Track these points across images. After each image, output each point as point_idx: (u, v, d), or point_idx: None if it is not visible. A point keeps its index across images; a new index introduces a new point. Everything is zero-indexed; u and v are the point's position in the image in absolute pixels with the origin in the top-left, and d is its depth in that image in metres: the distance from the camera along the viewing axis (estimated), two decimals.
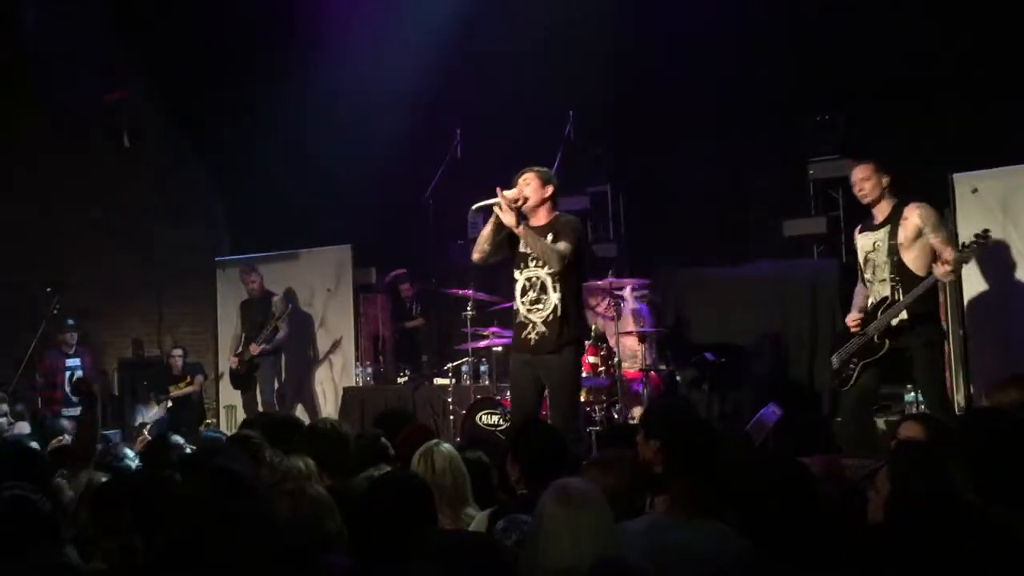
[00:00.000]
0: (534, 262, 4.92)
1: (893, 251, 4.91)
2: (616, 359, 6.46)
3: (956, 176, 6.08)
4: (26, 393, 8.35)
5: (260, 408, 8.25)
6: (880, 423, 5.29)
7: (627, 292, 7.02)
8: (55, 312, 8.20)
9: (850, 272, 5.88)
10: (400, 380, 8.41)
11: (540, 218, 4.97)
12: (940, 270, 4.74)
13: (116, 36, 9.00)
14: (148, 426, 8.65)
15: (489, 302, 7.04)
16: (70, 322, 8.66)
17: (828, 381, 5.47)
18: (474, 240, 5.14)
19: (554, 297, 4.82)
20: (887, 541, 1.95)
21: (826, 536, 2.29)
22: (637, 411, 6.18)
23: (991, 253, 5.85)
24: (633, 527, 2.52)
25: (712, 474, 2.72)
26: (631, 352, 6.83)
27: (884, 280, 4.96)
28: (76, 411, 8.56)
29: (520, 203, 4.89)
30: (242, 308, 8.68)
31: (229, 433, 5.60)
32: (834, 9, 7.12)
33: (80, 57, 8.32)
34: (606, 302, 6.73)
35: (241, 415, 8.39)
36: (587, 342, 6.06)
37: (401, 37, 8.57)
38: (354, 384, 8.54)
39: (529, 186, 4.92)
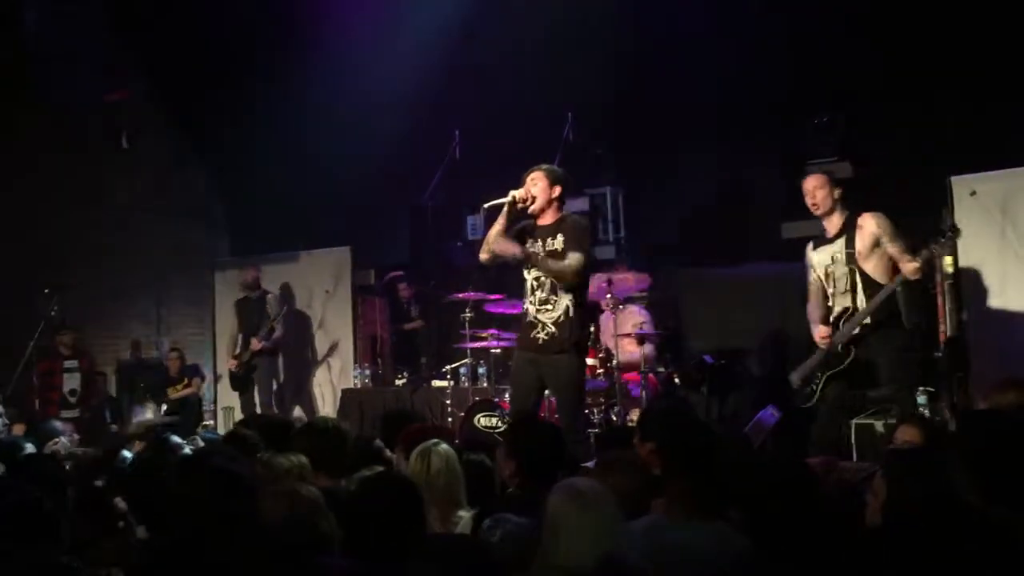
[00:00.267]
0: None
1: (851, 260, 4.87)
2: (614, 361, 6.45)
3: (955, 178, 6.08)
4: (24, 395, 8.33)
5: (258, 410, 8.25)
6: (879, 426, 5.27)
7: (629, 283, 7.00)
8: (53, 313, 8.18)
9: None
10: (398, 382, 8.40)
11: (547, 218, 4.97)
12: (909, 267, 4.68)
13: (116, 36, 8.99)
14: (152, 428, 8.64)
15: (488, 302, 7.04)
16: (68, 324, 8.65)
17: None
18: (474, 242, 5.14)
19: (565, 299, 4.83)
20: (885, 544, 1.95)
21: (826, 537, 2.29)
22: (636, 413, 6.17)
23: (990, 255, 5.85)
24: (633, 527, 2.52)
25: (710, 475, 2.72)
26: (629, 354, 6.82)
27: (845, 292, 4.91)
28: (74, 413, 8.58)
29: (528, 203, 4.89)
30: (237, 308, 8.68)
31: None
32: (834, 10, 7.11)
33: (80, 57, 8.31)
34: (605, 299, 6.70)
35: (239, 417, 8.38)
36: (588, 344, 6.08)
37: (401, 38, 8.56)
38: (352, 386, 8.53)
39: (537, 186, 4.93)
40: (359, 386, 8.48)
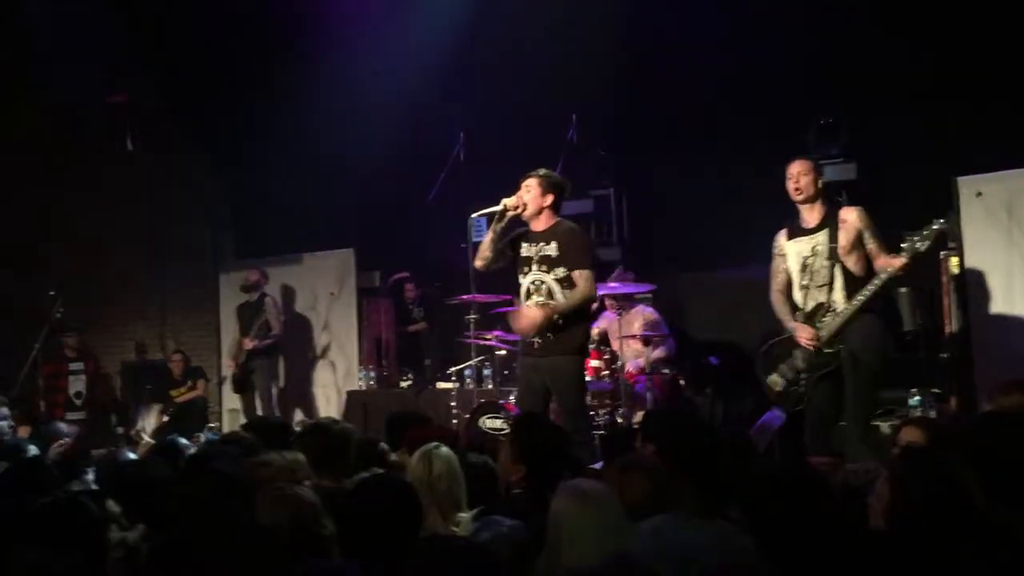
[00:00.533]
0: (537, 265, 4.94)
1: (834, 254, 4.76)
2: (619, 363, 6.44)
3: (961, 179, 6.06)
4: (30, 397, 8.34)
5: (259, 412, 8.27)
6: (885, 427, 5.25)
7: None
8: (58, 316, 8.20)
9: None
10: (403, 384, 8.40)
11: (540, 223, 4.99)
12: (897, 262, 4.56)
13: (121, 36, 9.00)
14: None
15: (493, 304, 7.03)
16: (73, 326, 8.67)
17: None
18: (479, 244, 5.16)
19: (560, 303, 4.84)
20: (889, 547, 1.95)
21: (829, 539, 2.29)
22: (641, 415, 6.16)
23: (996, 256, 5.84)
24: (641, 528, 2.52)
25: (714, 476, 2.71)
26: (635, 355, 6.81)
27: (822, 286, 4.81)
28: (80, 415, 8.60)
29: (519, 210, 4.93)
30: (238, 312, 8.73)
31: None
32: (838, 10, 7.10)
33: (83, 58, 8.32)
34: (610, 301, 6.70)
35: (243, 419, 8.39)
36: (591, 346, 6.09)
37: (405, 40, 8.55)
38: (357, 388, 8.53)
39: (529, 193, 4.96)
40: (364, 388, 8.48)
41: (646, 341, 6.72)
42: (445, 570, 1.95)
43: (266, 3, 8.69)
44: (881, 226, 4.89)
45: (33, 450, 4.30)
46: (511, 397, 6.63)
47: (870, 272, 4.71)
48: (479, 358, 7.40)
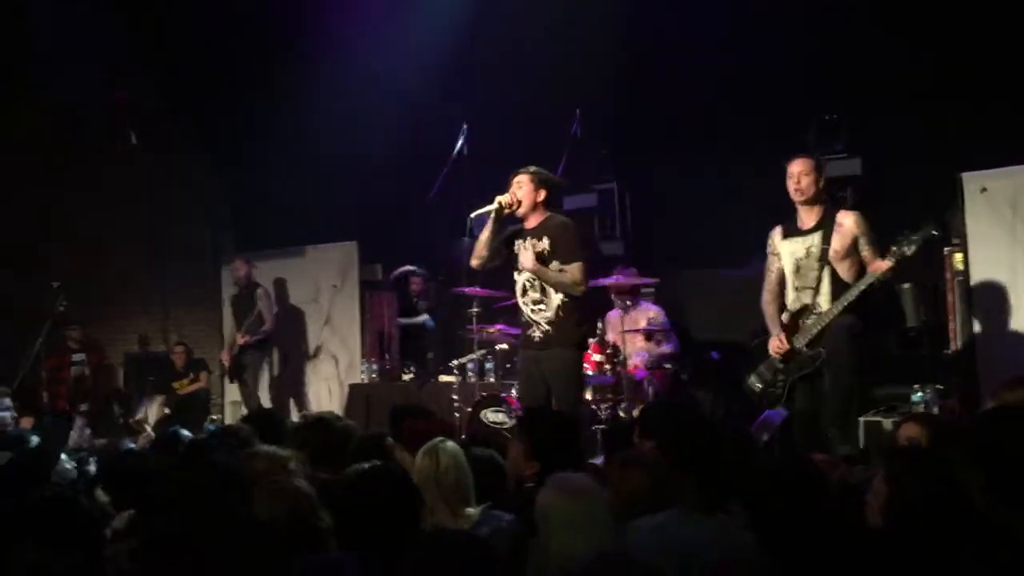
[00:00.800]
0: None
1: (824, 257, 4.71)
2: (621, 357, 6.44)
3: (965, 175, 6.03)
4: (33, 389, 8.36)
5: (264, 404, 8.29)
6: (886, 424, 5.24)
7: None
8: (61, 308, 8.21)
9: None
10: (405, 377, 8.40)
11: (533, 220, 5.02)
12: (883, 265, 4.51)
13: (120, 36, 8.99)
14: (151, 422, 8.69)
15: (495, 298, 7.03)
16: (75, 318, 8.68)
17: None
18: (476, 240, 5.18)
19: (556, 299, 4.88)
20: (886, 545, 1.94)
21: (827, 535, 2.28)
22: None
23: (1000, 252, 5.81)
24: (640, 524, 2.51)
25: (714, 471, 2.71)
26: (638, 350, 6.80)
27: (808, 288, 4.77)
28: (83, 407, 8.61)
29: (514, 207, 4.95)
30: (232, 303, 8.76)
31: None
32: (839, 10, 7.07)
33: (84, 57, 8.32)
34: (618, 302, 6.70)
35: (244, 411, 8.40)
36: (592, 340, 6.08)
37: (405, 39, 8.55)
38: (360, 381, 8.53)
39: (521, 189, 4.99)
40: (366, 381, 8.48)
41: (648, 336, 6.71)
42: (442, 563, 1.95)
43: (266, 3, 8.69)
44: (884, 223, 4.88)
45: (35, 440, 4.31)
46: (513, 390, 6.63)
47: (861, 278, 4.69)
48: (481, 351, 7.40)
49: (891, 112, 7.12)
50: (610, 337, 6.64)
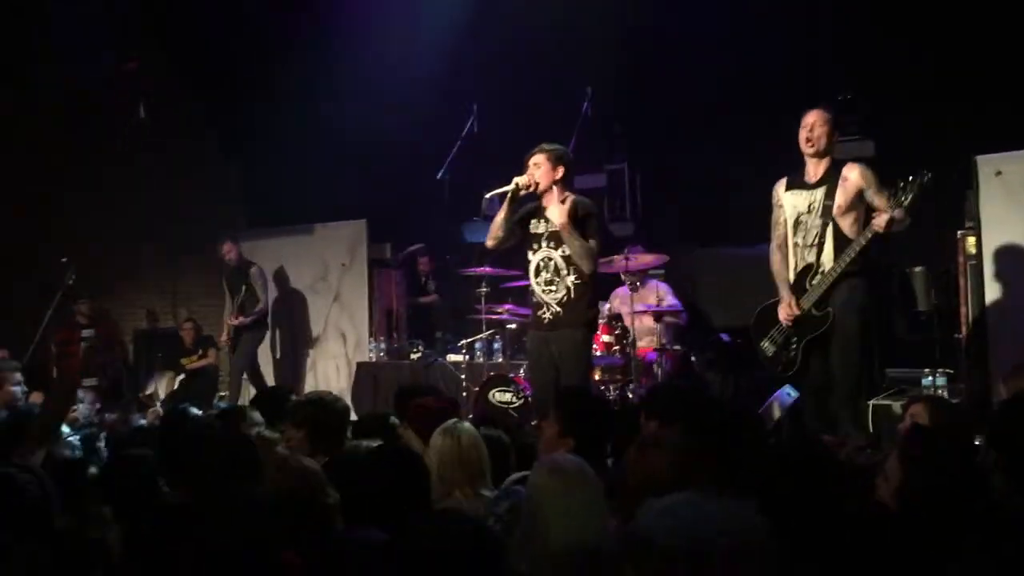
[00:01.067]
0: (547, 243, 4.94)
1: (827, 213, 4.59)
2: (631, 338, 6.42)
3: (980, 158, 5.97)
4: (43, 364, 8.38)
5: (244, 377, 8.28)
6: (896, 407, 5.22)
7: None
8: (70, 283, 8.22)
9: None
10: (413, 356, 8.41)
11: (551, 199, 4.95)
12: (879, 220, 4.39)
13: (133, 4, 8.95)
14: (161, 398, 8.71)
15: (504, 278, 7.02)
16: (85, 293, 8.70)
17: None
18: (490, 219, 5.16)
19: (568, 280, 4.85)
20: (897, 527, 1.92)
21: (839, 517, 2.27)
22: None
23: (1015, 236, 5.76)
24: (651, 506, 2.49)
25: (722, 452, 2.68)
26: (647, 330, 6.79)
27: (812, 246, 4.66)
28: (92, 381, 8.64)
29: (531, 188, 4.90)
30: (226, 282, 8.70)
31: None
32: None
33: (96, 26, 8.27)
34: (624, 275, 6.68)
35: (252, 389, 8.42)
36: (601, 321, 6.07)
37: (419, 14, 8.49)
38: (368, 359, 8.54)
39: (539, 169, 4.93)
40: (374, 360, 8.49)
41: (658, 316, 6.69)
42: (440, 547, 1.92)
43: None
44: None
45: None
46: (521, 371, 6.63)
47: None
48: (489, 331, 7.40)
49: (906, 94, 7.05)
50: (616, 307, 6.64)
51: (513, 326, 7.20)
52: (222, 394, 8.95)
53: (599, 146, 8.19)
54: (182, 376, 9.03)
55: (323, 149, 9.04)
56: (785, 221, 4.86)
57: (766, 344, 4.96)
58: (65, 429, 4.21)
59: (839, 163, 4.73)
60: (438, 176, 7.50)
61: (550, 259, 4.94)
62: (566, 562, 2.23)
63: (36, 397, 7.43)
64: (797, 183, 4.81)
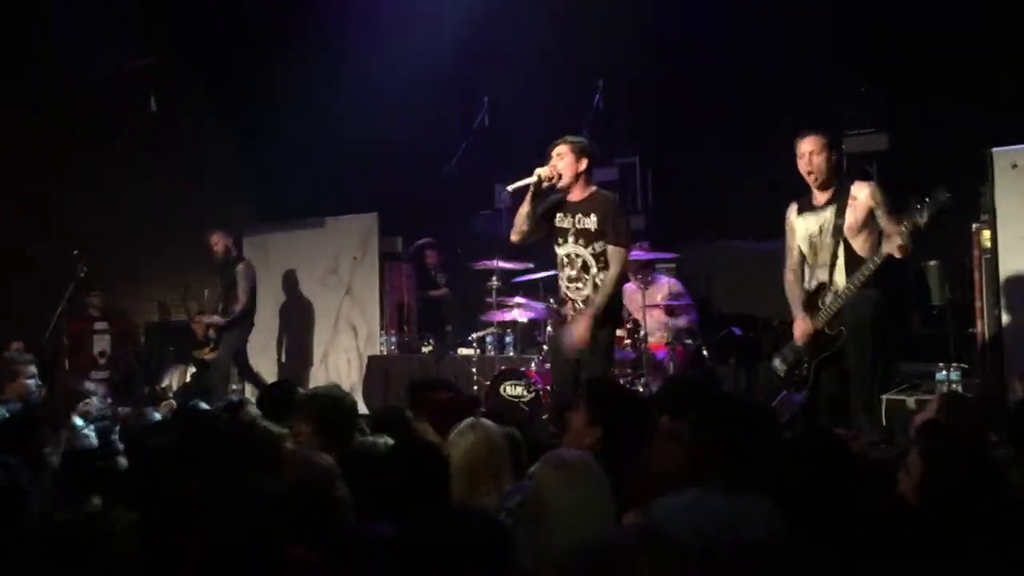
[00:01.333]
0: (574, 238, 4.90)
1: (839, 233, 4.56)
2: (643, 332, 6.40)
3: (995, 151, 5.91)
4: (55, 357, 8.42)
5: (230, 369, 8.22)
6: (910, 402, 5.18)
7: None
8: (82, 275, 8.24)
9: None
10: (424, 349, 8.41)
11: (576, 192, 4.91)
12: (892, 245, 4.31)
13: (134, 2, 8.95)
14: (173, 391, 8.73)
15: (515, 271, 7.01)
16: (97, 286, 8.73)
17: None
18: (500, 211, 5.14)
19: (597, 277, 4.82)
20: (916, 522, 1.91)
21: (854, 510, 2.25)
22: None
23: None
24: (664, 503, 2.48)
25: (735, 446, 2.67)
26: (658, 326, 6.77)
27: (824, 265, 4.64)
28: (104, 374, 8.68)
29: (555, 180, 4.85)
30: (218, 273, 8.52)
31: (253, 399, 5.62)
32: None
33: (106, 20, 8.28)
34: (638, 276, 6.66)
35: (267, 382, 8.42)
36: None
37: (431, 7, 8.48)
38: (379, 353, 8.55)
39: (563, 160, 4.86)
40: (385, 353, 8.49)
41: (669, 311, 6.67)
42: (442, 538, 1.91)
43: None
44: (911, 201, 4.75)
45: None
46: (532, 364, 6.62)
47: (877, 252, 4.55)
48: (501, 325, 7.38)
49: (920, 86, 7.00)
50: (626, 303, 6.63)
51: (524, 320, 7.19)
52: (234, 387, 8.97)
53: (610, 141, 8.17)
54: (194, 369, 9.05)
55: (334, 142, 9.04)
56: (798, 246, 4.85)
57: (778, 362, 4.95)
58: (79, 422, 4.22)
59: (846, 181, 4.68)
60: (448, 169, 7.50)
61: (577, 255, 4.90)
62: (570, 556, 2.22)
63: None
64: (807, 207, 4.79)
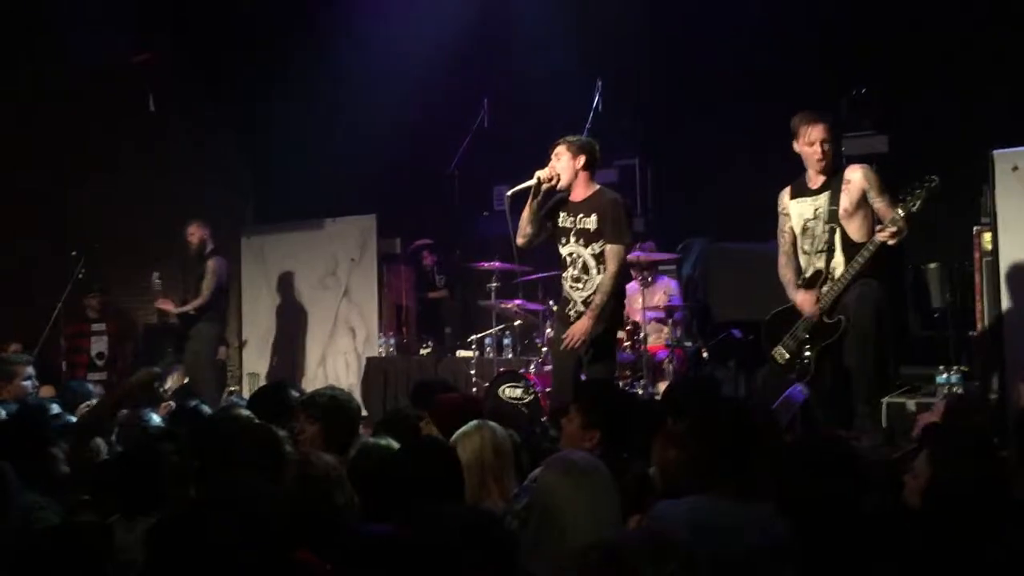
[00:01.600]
0: (575, 238, 4.89)
1: (834, 218, 4.57)
2: (642, 334, 6.39)
3: (996, 153, 5.90)
4: (52, 358, 8.39)
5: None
6: (911, 405, 5.17)
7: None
8: (80, 276, 8.21)
9: None
10: (423, 351, 8.39)
11: (579, 192, 4.90)
12: (884, 234, 4.36)
13: (140, 1, 8.94)
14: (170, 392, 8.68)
15: (514, 273, 6.99)
16: (95, 287, 8.69)
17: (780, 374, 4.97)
18: (501, 212, 5.13)
19: (597, 278, 4.81)
20: (931, 527, 1.90)
21: (859, 515, 2.24)
22: (662, 387, 6.12)
23: None
24: (665, 509, 2.47)
25: (739, 450, 2.65)
26: (657, 327, 6.76)
27: (820, 252, 4.64)
28: (101, 376, 8.64)
29: (554, 181, 4.84)
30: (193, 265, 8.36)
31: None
32: None
33: (106, 18, 8.26)
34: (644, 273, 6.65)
35: (262, 383, 8.40)
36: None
37: (429, 8, 8.47)
38: (377, 355, 8.53)
39: (560, 160, 4.85)
40: (384, 355, 8.47)
41: (669, 313, 6.66)
42: (443, 539, 1.90)
43: None
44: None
45: (56, 409, 4.30)
46: (531, 367, 6.61)
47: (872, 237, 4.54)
48: (499, 326, 7.37)
49: (921, 88, 6.99)
50: (627, 305, 6.62)
51: (522, 321, 7.18)
52: (232, 388, 8.94)
53: (610, 141, 8.15)
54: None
55: (333, 143, 9.03)
56: (791, 229, 4.84)
57: (779, 350, 4.92)
58: (73, 421, 4.20)
59: (840, 166, 4.69)
60: (448, 171, 7.48)
61: (579, 256, 4.89)
62: (579, 559, 2.20)
63: (46, 391, 7.43)
64: (802, 190, 4.80)
